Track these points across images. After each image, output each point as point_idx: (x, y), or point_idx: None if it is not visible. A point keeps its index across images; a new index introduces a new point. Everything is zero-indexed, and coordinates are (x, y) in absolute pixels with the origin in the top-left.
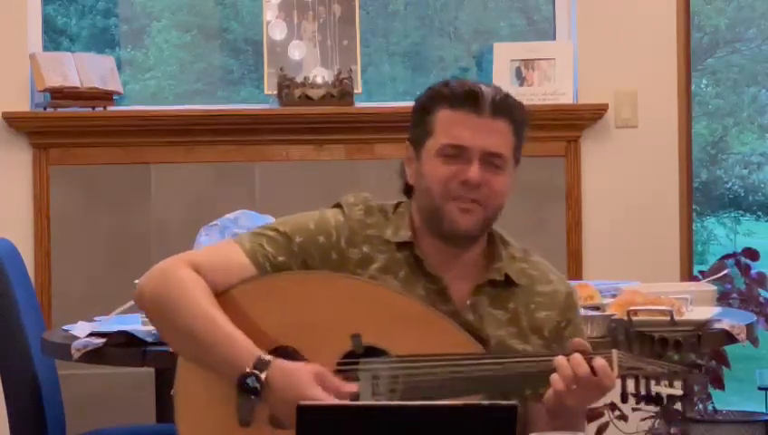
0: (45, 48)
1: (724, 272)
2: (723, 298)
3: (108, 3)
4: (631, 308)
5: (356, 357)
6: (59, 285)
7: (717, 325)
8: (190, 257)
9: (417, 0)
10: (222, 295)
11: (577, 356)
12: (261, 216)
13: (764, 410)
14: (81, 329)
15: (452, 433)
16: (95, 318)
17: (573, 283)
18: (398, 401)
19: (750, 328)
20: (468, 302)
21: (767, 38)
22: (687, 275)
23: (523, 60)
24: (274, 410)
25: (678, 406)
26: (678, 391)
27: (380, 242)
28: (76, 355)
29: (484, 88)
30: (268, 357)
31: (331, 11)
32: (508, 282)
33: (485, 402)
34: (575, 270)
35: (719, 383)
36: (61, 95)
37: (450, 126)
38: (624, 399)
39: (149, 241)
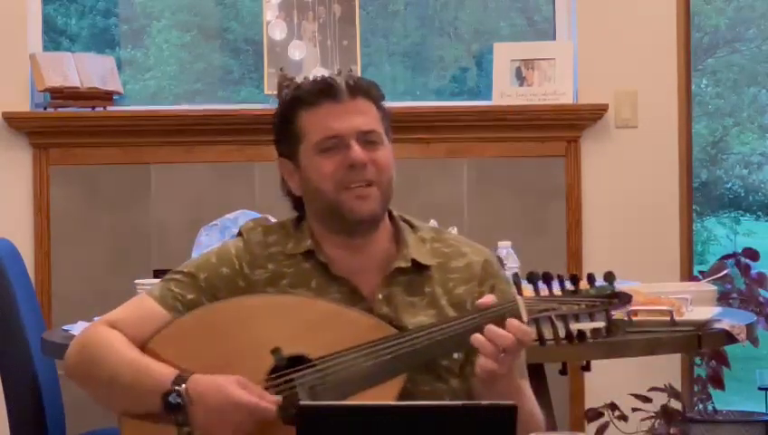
0: (45, 48)
1: (724, 272)
2: (723, 298)
3: (108, 3)
4: (631, 308)
5: (281, 370)
6: (59, 285)
7: (717, 325)
8: (106, 318)
9: (417, 0)
10: (144, 347)
11: (491, 328)
12: (261, 216)
13: (764, 410)
14: (80, 329)
15: (452, 433)
16: (95, 318)
17: None
18: (333, 399)
19: (750, 328)
20: (380, 295)
21: (767, 38)
22: (687, 275)
23: (523, 60)
24: (201, 421)
25: (678, 406)
26: (600, 324)
27: (284, 257)
28: None
29: (334, 77)
30: (187, 373)
31: (331, 11)
32: (419, 266)
33: (485, 402)
34: (575, 270)
35: (719, 383)
36: (61, 95)
37: (317, 122)
38: (541, 342)
39: (149, 241)
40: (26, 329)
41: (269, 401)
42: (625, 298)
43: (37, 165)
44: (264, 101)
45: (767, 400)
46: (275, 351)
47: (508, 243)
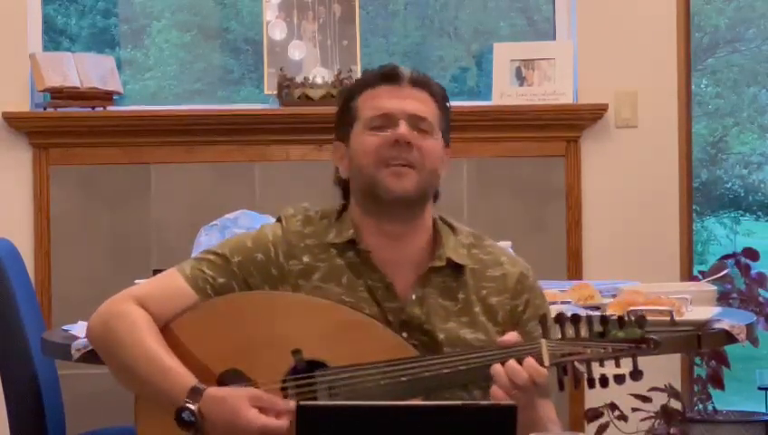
0: (45, 48)
1: (724, 272)
2: (723, 298)
3: (108, 3)
4: (631, 308)
5: (299, 371)
6: (59, 285)
7: (717, 325)
8: (134, 292)
9: (417, 0)
10: (167, 327)
11: (510, 364)
12: (261, 216)
13: (764, 410)
14: (81, 329)
15: (452, 433)
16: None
17: (573, 283)
18: None
19: (750, 328)
20: (414, 296)
21: (767, 38)
22: (687, 275)
23: (523, 60)
24: None
25: (678, 406)
26: (625, 371)
27: (320, 250)
28: (76, 355)
29: (399, 67)
30: (202, 386)
31: (331, 11)
32: (454, 268)
33: (485, 402)
34: (575, 270)
35: (719, 383)
36: (61, 95)
37: (372, 102)
38: (561, 386)
39: (149, 241)
40: (26, 329)
41: (281, 411)
42: (653, 344)
43: (37, 165)
44: (264, 101)
45: (767, 400)
46: (296, 352)
47: (508, 243)
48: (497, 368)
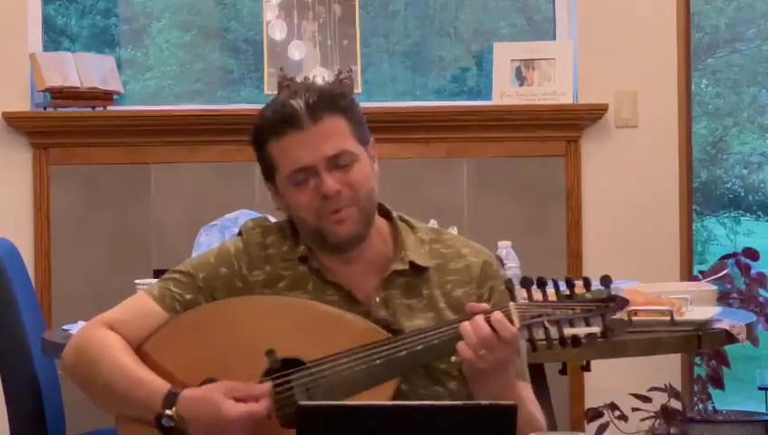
0: (45, 48)
1: (724, 272)
2: (723, 298)
3: (108, 3)
4: (631, 308)
5: (275, 371)
6: (59, 285)
7: (717, 325)
8: (104, 318)
9: (417, 0)
10: (140, 349)
11: (477, 319)
12: (261, 215)
13: (764, 410)
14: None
15: (452, 433)
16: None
17: None
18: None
19: (750, 328)
20: (377, 299)
21: (767, 38)
22: (687, 275)
23: (523, 60)
24: None
25: (678, 406)
26: (596, 329)
27: (281, 259)
28: None
29: (294, 102)
30: (176, 390)
31: (331, 11)
32: (417, 268)
33: (485, 402)
34: (575, 270)
35: (719, 383)
36: (61, 95)
37: (285, 154)
38: (534, 347)
39: (149, 241)
40: (26, 329)
41: (258, 395)
42: (621, 302)
43: (37, 165)
44: (264, 101)
45: (767, 400)
46: (269, 353)
47: (508, 243)
48: (465, 325)
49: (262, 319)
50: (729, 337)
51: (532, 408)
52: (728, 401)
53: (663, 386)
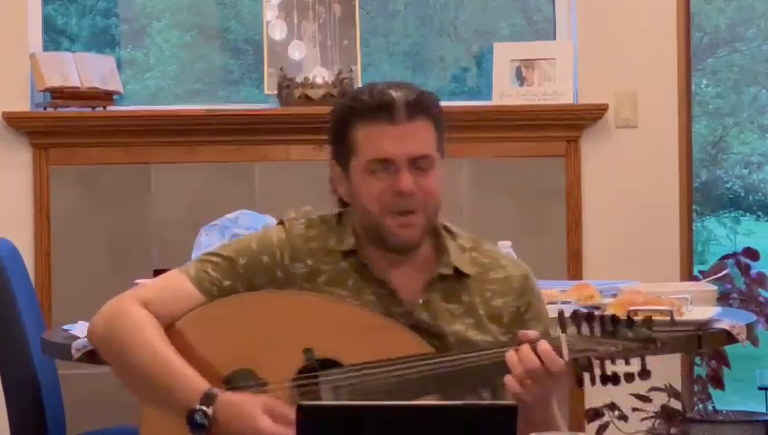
0: (45, 48)
1: (724, 272)
2: (723, 298)
3: (108, 3)
4: (631, 308)
5: (310, 371)
6: (59, 285)
7: (717, 325)
8: (139, 293)
9: (417, 0)
10: (173, 327)
11: (525, 349)
12: (261, 216)
13: (764, 410)
14: (81, 329)
15: (452, 433)
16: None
17: (573, 283)
18: None
19: (750, 328)
20: (420, 300)
21: (767, 38)
22: (687, 275)
23: (523, 60)
24: None
25: (678, 406)
26: (634, 369)
27: (324, 253)
28: (76, 355)
29: (394, 93)
30: (215, 391)
31: (331, 11)
32: (459, 274)
33: (485, 402)
34: (575, 270)
35: (719, 383)
36: (61, 95)
37: (371, 141)
38: (579, 383)
39: (149, 241)
40: (26, 329)
41: (293, 423)
42: (660, 344)
43: (37, 165)
44: (264, 101)
45: (767, 400)
46: (307, 351)
47: (508, 243)
48: (511, 355)
49: (303, 316)
50: (729, 337)
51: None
52: (728, 401)
53: (663, 386)
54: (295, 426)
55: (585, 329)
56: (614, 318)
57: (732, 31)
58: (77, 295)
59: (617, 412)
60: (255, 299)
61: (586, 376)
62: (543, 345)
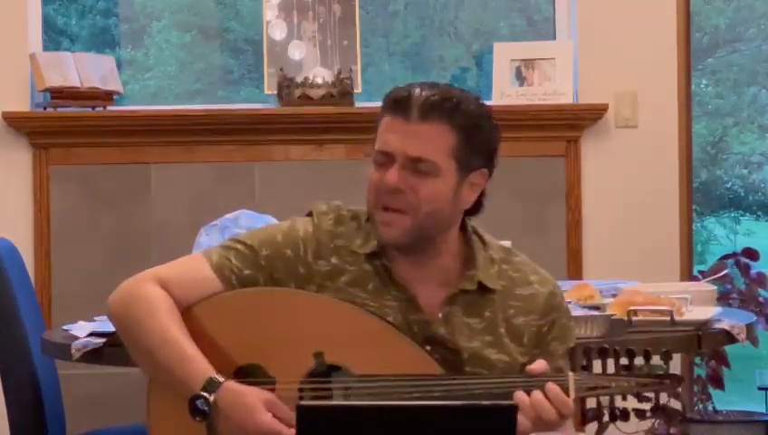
0: (45, 48)
1: (724, 272)
2: (723, 298)
3: (108, 3)
4: (631, 308)
5: (317, 374)
6: (59, 285)
7: (717, 325)
8: (158, 273)
9: (417, 0)
10: (188, 311)
11: (538, 396)
12: (261, 216)
13: (764, 411)
14: (81, 329)
15: (452, 433)
16: (95, 318)
17: (573, 283)
18: None
19: (750, 328)
20: (440, 314)
21: (767, 38)
22: (687, 275)
23: (523, 60)
24: (222, 432)
25: (678, 406)
26: (646, 406)
27: (348, 253)
28: (76, 355)
29: (417, 91)
30: (221, 378)
31: (331, 11)
32: (483, 289)
33: (485, 402)
34: (575, 270)
35: (719, 383)
36: (61, 95)
37: (382, 133)
38: (583, 420)
39: (149, 241)
40: (26, 329)
41: (293, 424)
42: (676, 381)
43: (37, 165)
44: (264, 101)
45: (767, 400)
46: (318, 355)
47: (508, 243)
48: (522, 396)
49: (317, 319)
50: (729, 337)
51: None
52: (728, 401)
53: None
54: (292, 427)
55: (597, 365)
56: (630, 351)
57: (732, 31)
58: (77, 295)
59: (617, 412)
60: (275, 295)
61: (593, 413)
62: (553, 388)
